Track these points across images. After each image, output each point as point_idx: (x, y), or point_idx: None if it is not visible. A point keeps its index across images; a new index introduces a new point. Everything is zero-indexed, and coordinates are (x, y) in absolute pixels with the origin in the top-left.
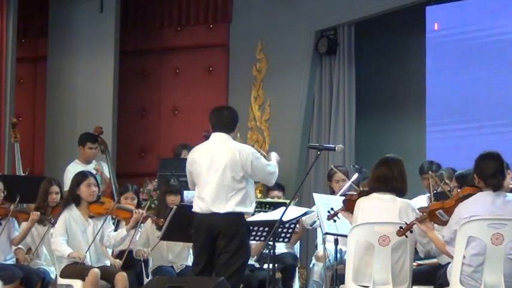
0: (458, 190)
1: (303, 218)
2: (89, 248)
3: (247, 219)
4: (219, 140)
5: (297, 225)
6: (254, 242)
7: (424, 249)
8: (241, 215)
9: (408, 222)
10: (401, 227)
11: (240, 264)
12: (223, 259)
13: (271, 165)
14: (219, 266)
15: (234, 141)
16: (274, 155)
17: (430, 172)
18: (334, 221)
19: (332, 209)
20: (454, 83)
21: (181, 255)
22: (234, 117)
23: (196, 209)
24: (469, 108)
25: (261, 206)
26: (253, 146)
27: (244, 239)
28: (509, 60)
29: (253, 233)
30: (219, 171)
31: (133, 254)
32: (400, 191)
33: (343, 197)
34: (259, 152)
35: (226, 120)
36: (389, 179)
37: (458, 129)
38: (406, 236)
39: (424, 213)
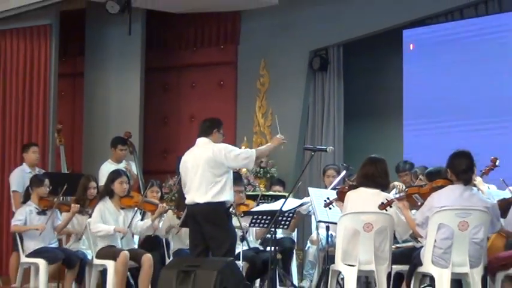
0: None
1: (300, 208)
2: (130, 225)
3: (254, 209)
4: (200, 143)
5: (295, 215)
6: (258, 228)
7: (401, 238)
8: (219, 204)
9: (389, 200)
10: (382, 203)
11: (229, 245)
12: (214, 243)
13: (243, 152)
14: (213, 249)
15: (211, 142)
16: (273, 140)
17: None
18: (330, 208)
19: (328, 198)
20: (426, 94)
21: None
22: (212, 124)
23: (186, 201)
24: (439, 115)
25: (264, 198)
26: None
27: (224, 223)
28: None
29: (258, 221)
30: (199, 168)
31: (157, 239)
32: (384, 186)
33: (334, 190)
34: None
35: (205, 128)
36: (375, 176)
37: (430, 133)
38: (386, 210)
39: (403, 194)
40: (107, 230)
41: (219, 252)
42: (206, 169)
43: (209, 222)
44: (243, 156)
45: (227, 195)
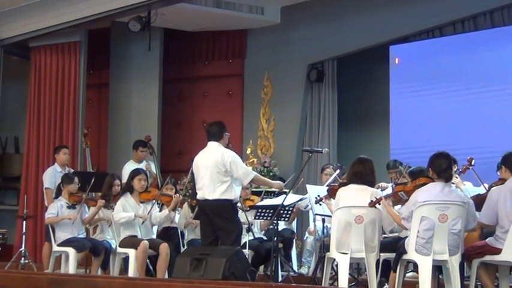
0: (412, 181)
1: (299, 203)
2: (149, 212)
3: (258, 204)
4: (211, 146)
5: (294, 209)
6: (262, 220)
7: (388, 228)
8: (226, 201)
9: (377, 198)
10: (372, 201)
11: (236, 235)
12: (223, 234)
13: (246, 170)
14: (222, 239)
15: (222, 147)
16: (276, 182)
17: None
18: (320, 204)
19: (319, 195)
20: (410, 103)
21: None
22: (221, 129)
23: (197, 197)
24: (421, 120)
25: (268, 194)
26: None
27: (232, 217)
28: (452, 81)
29: (262, 214)
30: (209, 169)
31: (174, 230)
32: (371, 183)
33: (328, 187)
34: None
35: (216, 133)
36: (363, 174)
37: (413, 136)
38: (375, 207)
39: (390, 193)
40: (128, 216)
41: (227, 242)
42: (215, 170)
43: (218, 216)
44: (243, 171)
45: (233, 194)
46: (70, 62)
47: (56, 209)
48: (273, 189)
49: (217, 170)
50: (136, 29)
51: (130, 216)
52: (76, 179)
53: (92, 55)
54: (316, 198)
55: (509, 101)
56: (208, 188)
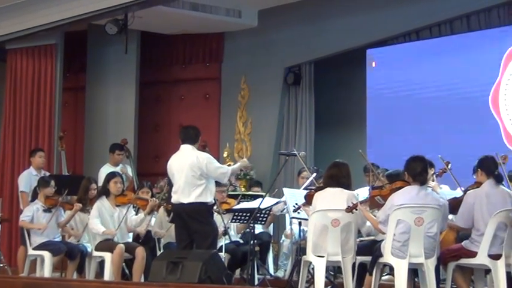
0: (390, 184)
1: (274, 209)
2: (118, 227)
3: (235, 207)
4: (185, 149)
5: (271, 212)
6: (239, 223)
7: (364, 231)
8: (201, 204)
9: (354, 203)
10: (348, 206)
11: (212, 239)
12: (198, 237)
13: (221, 168)
14: (197, 243)
15: (195, 150)
16: (241, 162)
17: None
18: (298, 213)
19: (296, 203)
20: (386, 106)
21: None
22: (197, 133)
23: (172, 200)
24: (397, 123)
25: (244, 198)
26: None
27: (207, 221)
28: (428, 83)
29: (238, 217)
30: (184, 172)
31: (151, 233)
32: (347, 186)
33: (305, 191)
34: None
35: (191, 136)
36: (338, 177)
37: (390, 139)
38: (352, 213)
39: (366, 198)
40: (97, 230)
41: (203, 245)
42: (189, 173)
43: (193, 219)
44: (221, 170)
45: (208, 197)
46: (46, 65)
47: (32, 212)
48: (250, 193)
49: (192, 173)
50: (113, 32)
51: (99, 231)
52: (52, 183)
53: (68, 58)
54: (294, 206)
55: (486, 103)
56: (183, 192)
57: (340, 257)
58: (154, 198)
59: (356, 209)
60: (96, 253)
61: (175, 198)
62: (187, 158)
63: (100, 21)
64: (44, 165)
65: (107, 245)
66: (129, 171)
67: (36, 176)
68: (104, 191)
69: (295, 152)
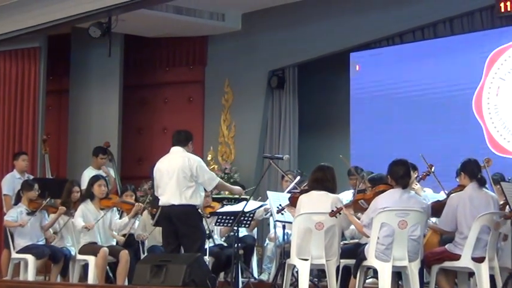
0: (373, 187)
1: (256, 213)
2: (98, 221)
3: (218, 210)
4: (176, 151)
5: (255, 216)
6: (222, 227)
7: (348, 234)
8: (192, 206)
9: (338, 207)
10: (332, 210)
11: (200, 242)
12: (186, 241)
13: (210, 174)
14: (185, 246)
15: (186, 152)
16: (236, 188)
17: (356, 173)
18: (282, 214)
19: (280, 205)
20: (370, 109)
21: None
22: (187, 137)
23: (160, 203)
24: (381, 127)
25: (229, 201)
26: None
27: (197, 223)
28: (412, 86)
29: (222, 220)
30: (174, 174)
31: (134, 236)
32: (332, 190)
33: (289, 194)
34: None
35: (181, 139)
36: (323, 180)
37: (373, 142)
38: (336, 217)
39: (350, 202)
40: (77, 226)
41: (191, 249)
42: (181, 175)
43: (184, 223)
44: (209, 176)
45: (198, 199)
46: (30, 68)
47: (16, 214)
48: (234, 196)
49: (183, 174)
50: (97, 35)
51: (78, 226)
52: (36, 186)
53: (51, 61)
54: (278, 207)
55: (469, 107)
56: (175, 193)
57: (324, 260)
58: (139, 203)
59: (340, 213)
60: (80, 256)
61: (165, 200)
62: (178, 159)
63: (83, 24)
64: (27, 169)
65: (90, 248)
66: (112, 173)
67: (20, 179)
68: (88, 194)
69: (280, 156)
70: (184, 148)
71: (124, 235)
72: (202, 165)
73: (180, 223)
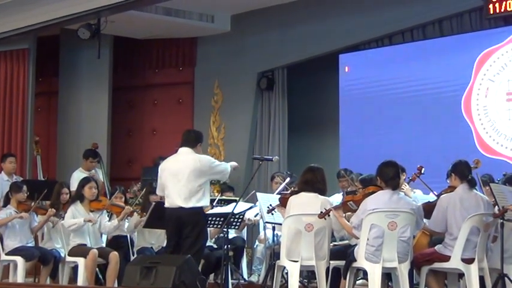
0: (363, 189)
1: (245, 217)
2: (99, 216)
3: (208, 212)
4: (185, 152)
5: (245, 217)
6: (212, 228)
7: (338, 235)
8: (200, 209)
9: (327, 209)
10: (321, 212)
11: (200, 245)
12: (188, 242)
13: (222, 165)
14: (185, 247)
15: (195, 153)
16: (233, 164)
17: (346, 175)
18: (272, 214)
19: (271, 205)
20: (359, 111)
21: (159, 239)
22: (197, 137)
23: (167, 204)
24: (370, 128)
25: (218, 202)
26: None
27: (203, 227)
28: (401, 88)
29: (212, 222)
30: (184, 176)
31: (124, 239)
32: (322, 191)
33: (279, 195)
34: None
35: (191, 140)
36: (313, 182)
37: (363, 144)
38: (325, 219)
39: (339, 203)
40: (78, 222)
41: (190, 250)
42: (191, 177)
43: (190, 224)
44: (222, 169)
45: (206, 201)
46: (19, 70)
47: (6, 215)
48: (224, 198)
49: (194, 177)
50: (86, 37)
51: (79, 222)
52: (25, 188)
53: (41, 63)
54: (268, 207)
55: (458, 108)
56: (184, 196)
57: (314, 261)
58: (128, 207)
59: (329, 215)
60: (69, 258)
61: (171, 201)
62: (189, 161)
63: (73, 25)
64: (14, 171)
65: (80, 250)
66: (100, 175)
67: (8, 182)
68: (78, 196)
69: (269, 157)
70: (193, 149)
71: (113, 240)
72: (214, 162)
73: (188, 225)
